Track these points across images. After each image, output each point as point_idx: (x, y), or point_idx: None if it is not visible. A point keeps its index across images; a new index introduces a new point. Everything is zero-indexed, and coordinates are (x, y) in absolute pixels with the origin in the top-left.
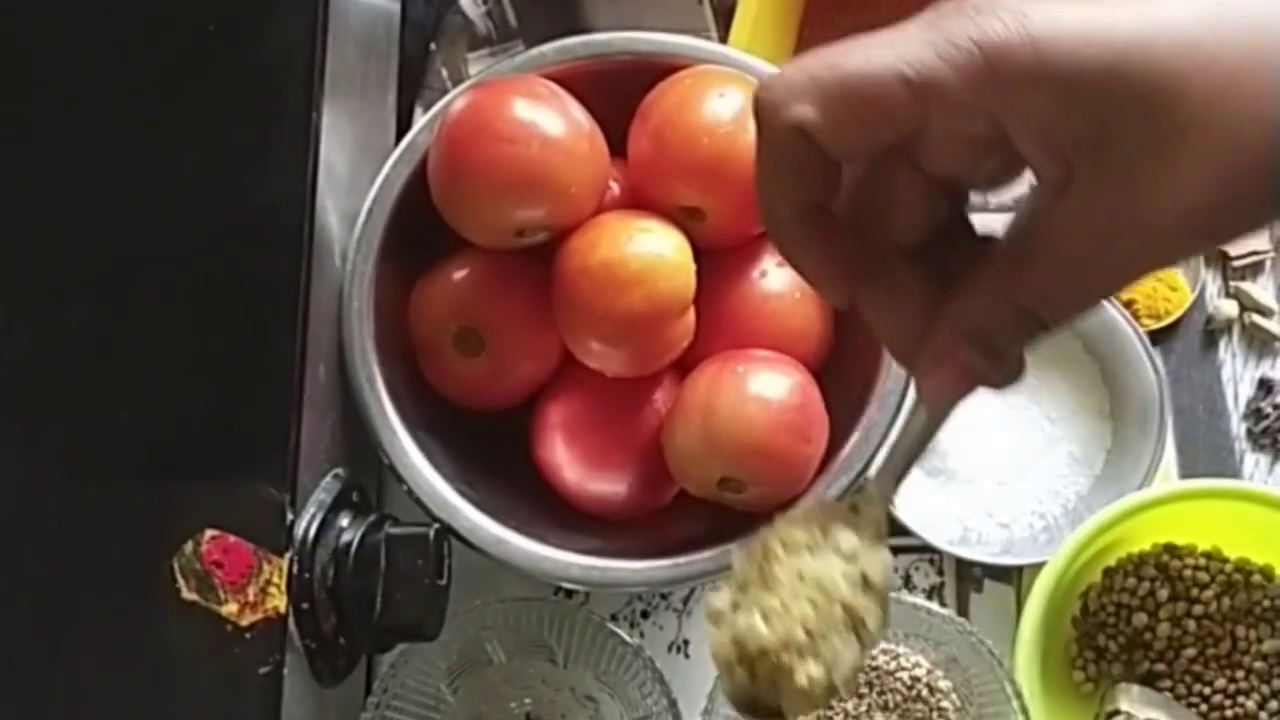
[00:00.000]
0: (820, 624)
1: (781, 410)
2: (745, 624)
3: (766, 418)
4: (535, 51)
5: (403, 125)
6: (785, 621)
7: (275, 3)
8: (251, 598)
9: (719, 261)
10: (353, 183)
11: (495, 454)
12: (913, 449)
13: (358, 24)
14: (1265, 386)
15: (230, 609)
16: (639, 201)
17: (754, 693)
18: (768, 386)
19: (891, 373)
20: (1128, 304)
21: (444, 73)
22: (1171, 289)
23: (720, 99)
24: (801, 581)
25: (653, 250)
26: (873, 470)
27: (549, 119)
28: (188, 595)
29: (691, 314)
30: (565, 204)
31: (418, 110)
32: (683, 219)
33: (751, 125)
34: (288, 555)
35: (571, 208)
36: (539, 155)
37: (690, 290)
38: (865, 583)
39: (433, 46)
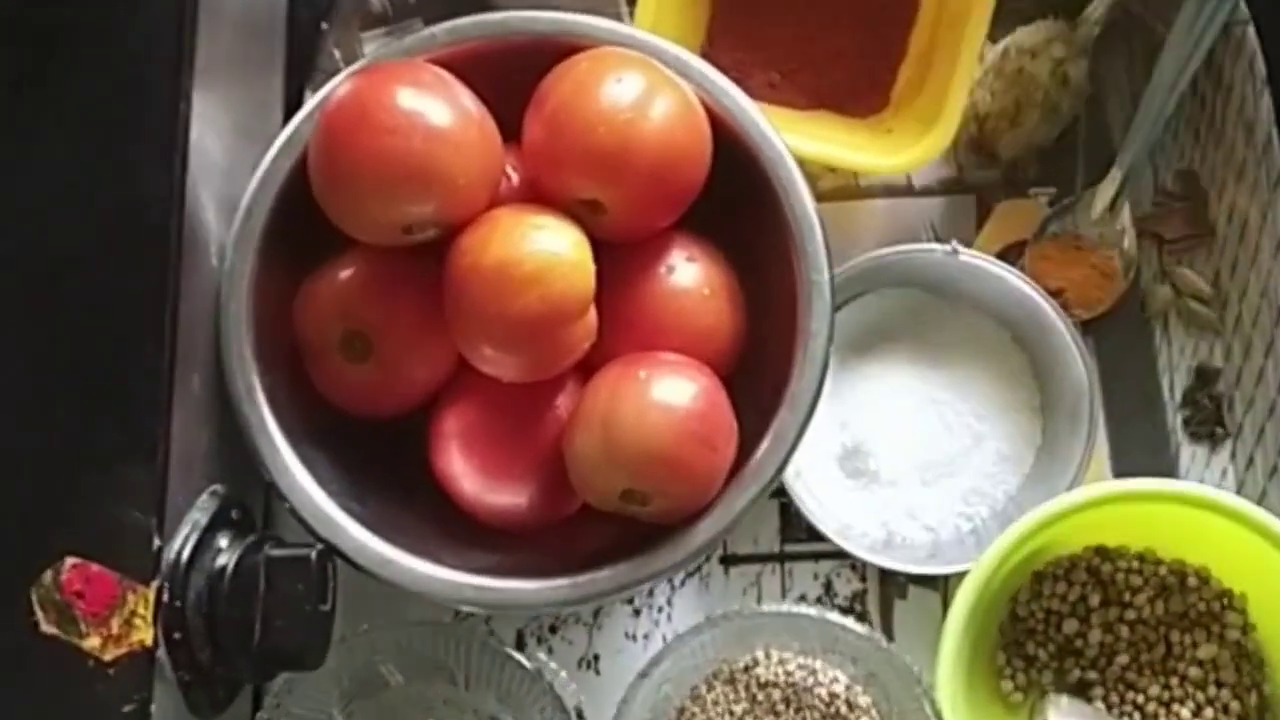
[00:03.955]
0: (1026, 102)
1: (686, 418)
2: (978, 94)
3: (670, 426)
4: (425, 33)
5: (291, 109)
6: (1002, 100)
7: None
8: (115, 630)
9: (623, 257)
10: (232, 173)
11: (388, 467)
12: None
13: (235, 3)
14: (1202, 376)
15: (92, 643)
16: (537, 192)
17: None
18: (671, 393)
19: (805, 374)
20: (1057, 293)
21: (336, 54)
22: (1104, 276)
23: (618, 84)
24: (1020, 74)
25: (548, 249)
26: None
27: (434, 108)
28: (47, 628)
29: (593, 315)
30: (454, 198)
31: (308, 94)
32: (582, 213)
33: (653, 111)
34: (154, 584)
35: (461, 202)
36: (422, 147)
37: (589, 290)
38: (1064, 80)
39: (324, 26)
